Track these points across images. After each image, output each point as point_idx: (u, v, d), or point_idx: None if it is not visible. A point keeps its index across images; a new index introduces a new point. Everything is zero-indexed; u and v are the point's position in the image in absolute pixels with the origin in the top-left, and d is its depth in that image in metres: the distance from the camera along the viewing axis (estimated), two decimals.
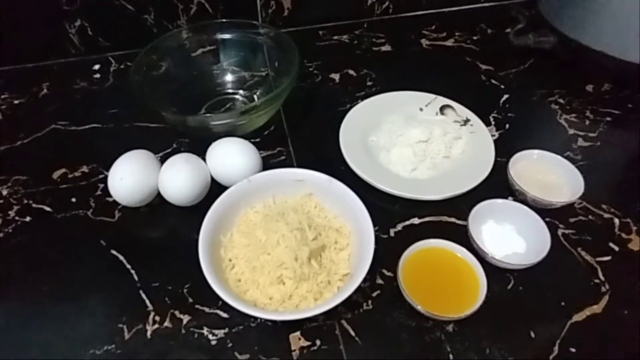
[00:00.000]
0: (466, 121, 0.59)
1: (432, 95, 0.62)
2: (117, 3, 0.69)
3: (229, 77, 0.66)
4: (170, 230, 0.50)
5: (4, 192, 0.53)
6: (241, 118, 0.53)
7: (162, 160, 0.51)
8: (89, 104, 0.65)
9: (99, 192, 0.53)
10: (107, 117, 0.63)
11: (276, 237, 0.40)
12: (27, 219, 0.51)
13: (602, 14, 0.62)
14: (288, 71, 0.59)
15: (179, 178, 0.47)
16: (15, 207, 0.52)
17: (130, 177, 0.47)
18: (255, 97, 0.64)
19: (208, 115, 0.55)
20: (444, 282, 0.42)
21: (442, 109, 0.61)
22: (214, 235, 0.42)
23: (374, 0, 0.79)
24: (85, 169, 0.56)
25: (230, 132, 0.54)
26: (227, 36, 0.65)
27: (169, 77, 0.63)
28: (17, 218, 0.51)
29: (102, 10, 0.69)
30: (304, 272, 0.39)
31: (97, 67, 0.72)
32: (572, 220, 0.50)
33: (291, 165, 0.56)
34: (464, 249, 0.43)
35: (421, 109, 0.61)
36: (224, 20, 0.64)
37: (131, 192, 0.48)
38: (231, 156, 0.49)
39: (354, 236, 0.43)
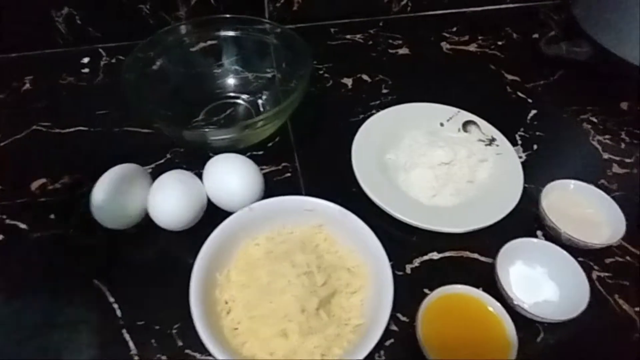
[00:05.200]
0: (492, 140, 0.53)
1: (455, 109, 0.57)
2: None
3: (231, 79, 0.60)
4: (160, 256, 0.44)
5: None
6: (244, 133, 0.47)
7: (154, 174, 0.46)
8: (76, 103, 0.59)
9: (81, 209, 0.47)
10: (96, 119, 0.57)
11: (281, 283, 0.35)
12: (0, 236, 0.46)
13: None
14: (298, 76, 0.53)
15: (170, 202, 0.41)
16: None
17: (114, 199, 0.41)
18: (259, 102, 0.58)
19: (206, 130, 0.49)
20: (469, 336, 0.37)
21: (465, 125, 0.55)
22: (208, 272, 0.37)
23: None
24: (67, 179, 0.50)
25: (232, 146, 0.49)
26: (231, 33, 0.59)
27: (166, 76, 0.57)
28: None
29: None
30: (311, 325, 0.34)
31: (86, 60, 0.65)
32: (608, 261, 0.45)
33: (297, 184, 0.50)
34: (492, 299, 0.38)
35: (442, 124, 0.56)
36: (227, 15, 0.58)
37: (115, 216, 0.42)
38: (230, 179, 0.43)
39: (369, 277, 0.38)
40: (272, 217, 0.41)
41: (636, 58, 0.57)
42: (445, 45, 0.70)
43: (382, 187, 0.48)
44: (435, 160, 0.49)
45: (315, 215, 0.41)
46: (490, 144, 0.53)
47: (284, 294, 0.34)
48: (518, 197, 0.47)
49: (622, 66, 0.58)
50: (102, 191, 0.42)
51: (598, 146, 0.56)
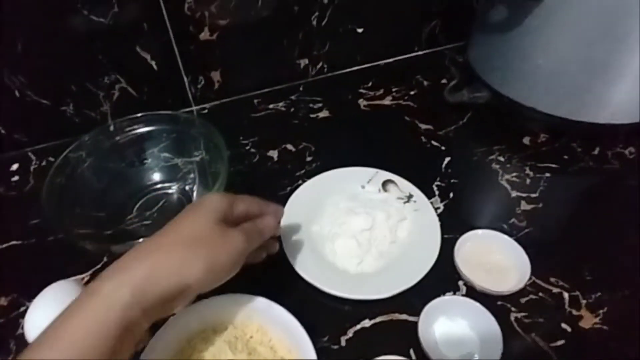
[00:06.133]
0: (409, 197, 0.57)
1: (374, 170, 0.61)
2: (29, 100, 0.63)
3: (161, 169, 0.62)
4: None
5: None
6: None
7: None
8: (7, 216, 0.60)
9: (20, 331, 0.48)
10: (29, 231, 0.57)
11: None
12: None
13: (528, 71, 0.62)
14: (221, 159, 0.56)
15: None
16: None
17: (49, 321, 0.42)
18: (187, 188, 0.61)
19: (136, 242, 0.49)
20: None
21: (385, 184, 0.59)
22: None
23: (306, 62, 0.77)
24: (4, 301, 0.51)
25: None
26: (153, 127, 0.61)
27: (95, 176, 0.58)
28: None
29: (12, 108, 0.64)
30: None
31: (15, 166, 0.66)
32: (523, 300, 0.49)
33: None
34: None
35: (363, 187, 0.60)
36: (149, 113, 0.60)
37: None
38: None
39: None
40: (204, 317, 0.43)
41: (524, 98, 0.63)
42: (362, 102, 0.75)
43: (311, 261, 0.51)
44: (355, 228, 0.52)
45: (245, 308, 0.43)
46: (408, 201, 0.57)
47: None
48: (436, 253, 0.51)
49: (516, 106, 0.64)
50: (36, 315, 0.43)
51: (507, 185, 0.61)
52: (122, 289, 0.31)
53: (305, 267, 0.50)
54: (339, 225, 0.53)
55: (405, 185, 0.59)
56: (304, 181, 0.60)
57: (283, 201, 0.57)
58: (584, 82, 0.59)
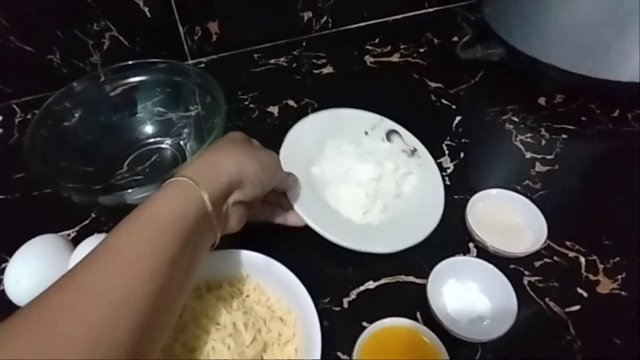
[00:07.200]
0: (413, 151, 0.54)
1: (378, 117, 0.56)
2: (13, 46, 0.59)
3: (153, 123, 0.58)
4: None
5: None
6: None
7: (79, 238, 0.44)
8: None
9: (0, 287, 0.45)
10: (12, 185, 0.54)
11: (207, 348, 0.34)
12: None
13: (548, 26, 0.58)
14: (218, 112, 0.52)
15: None
16: None
17: (29, 280, 0.39)
18: (182, 143, 0.57)
19: (125, 192, 0.46)
20: None
21: (389, 134, 0.55)
22: None
23: (310, 16, 0.72)
24: None
25: None
26: (147, 77, 0.57)
27: (84, 127, 0.54)
28: None
29: None
30: None
31: None
32: (537, 264, 0.46)
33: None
34: (424, 327, 0.38)
35: (366, 133, 0.55)
36: (142, 60, 0.56)
37: (31, 295, 0.40)
38: None
39: (300, 324, 0.38)
40: (197, 274, 0.40)
41: (543, 55, 0.59)
42: (369, 59, 0.70)
43: (314, 206, 0.46)
44: (364, 176, 0.49)
45: (241, 265, 0.40)
46: (412, 155, 0.53)
47: None
48: (440, 211, 0.48)
49: (533, 64, 0.60)
50: (15, 270, 0.40)
51: (521, 146, 0.57)
52: (192, 179, 0.34)
53: (309, 212, 0.45)
54: (346, 172, 0.50)
55: (409, 138, 0.55)
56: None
57: None
58: (608, 37, 0.55)
